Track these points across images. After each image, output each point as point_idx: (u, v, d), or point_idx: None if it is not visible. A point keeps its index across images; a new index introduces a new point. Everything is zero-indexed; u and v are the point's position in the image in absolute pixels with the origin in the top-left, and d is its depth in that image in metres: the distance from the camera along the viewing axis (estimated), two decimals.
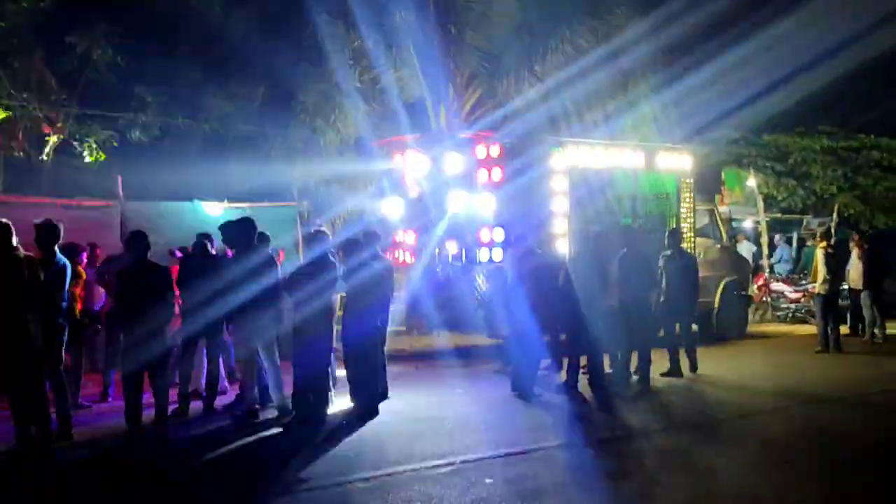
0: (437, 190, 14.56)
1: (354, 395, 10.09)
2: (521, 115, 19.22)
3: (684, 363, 12.56)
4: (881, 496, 7.18)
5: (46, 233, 9.12)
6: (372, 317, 10.15)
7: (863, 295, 16.68)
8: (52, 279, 8.89)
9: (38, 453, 8.39)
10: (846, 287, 16.90)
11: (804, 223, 24.74)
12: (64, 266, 9.16)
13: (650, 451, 8.51)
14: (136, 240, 9.52)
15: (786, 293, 20.89)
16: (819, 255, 15.56)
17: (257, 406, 10.11)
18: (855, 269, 16.67)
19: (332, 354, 10.50)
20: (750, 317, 18.33)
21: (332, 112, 18.93)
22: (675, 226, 14.82)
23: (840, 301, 16.28)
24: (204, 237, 10.95)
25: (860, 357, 14.77)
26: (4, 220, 8.38)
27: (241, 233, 10.08)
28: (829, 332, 15.17)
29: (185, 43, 19.21)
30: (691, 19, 20.34)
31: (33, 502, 7.30)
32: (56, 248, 9.11)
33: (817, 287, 15.58)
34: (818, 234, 17.47)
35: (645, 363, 11.84)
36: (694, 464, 7.92)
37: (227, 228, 10.17)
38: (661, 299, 12.38)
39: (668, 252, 12.86)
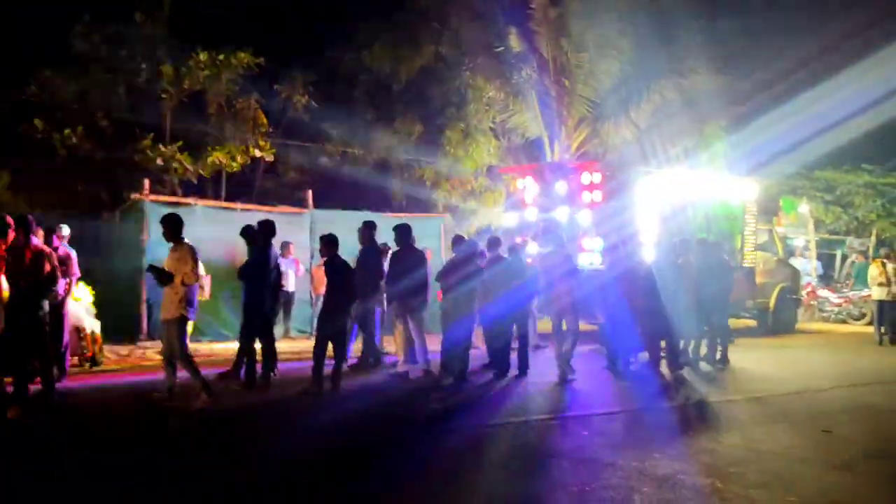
0: (549, 207, 14.44)
1: (491, 361, 10.25)
2: (618, 150, 19.06)
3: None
4: None
5: (267, 228, 9.49)
6: (502, 303, 10.10)
7: None
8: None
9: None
10: None
11: (847, 243, 23.79)
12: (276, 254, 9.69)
13: (714, 418, 8.28)
14: (403, 232, 10.15)
15: (830, 299, 20.05)
16: (874, 269, 14.90)
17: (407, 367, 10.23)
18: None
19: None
20: (799, 316, 17.65)
21: (470, 146, 19.09)
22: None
23: None
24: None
25: None
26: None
27: (404, 234, 10.29)
28: (882, 330, 14.56)
29: (361, 90, 19.65)
30: (757, 76, 19.86)
31: None
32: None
33: (874, 294, 14.85)
34: (882, 253, 16.49)
35: (714, 348, 11.55)
36: (750, 428, 7.61)
37: (396, 230, 10.39)
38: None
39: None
